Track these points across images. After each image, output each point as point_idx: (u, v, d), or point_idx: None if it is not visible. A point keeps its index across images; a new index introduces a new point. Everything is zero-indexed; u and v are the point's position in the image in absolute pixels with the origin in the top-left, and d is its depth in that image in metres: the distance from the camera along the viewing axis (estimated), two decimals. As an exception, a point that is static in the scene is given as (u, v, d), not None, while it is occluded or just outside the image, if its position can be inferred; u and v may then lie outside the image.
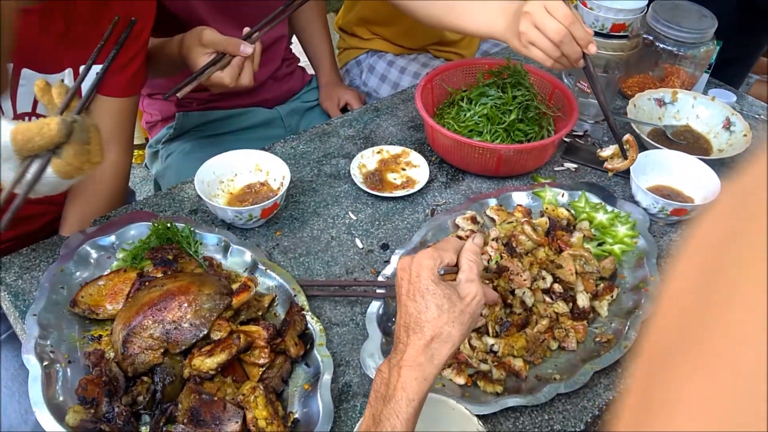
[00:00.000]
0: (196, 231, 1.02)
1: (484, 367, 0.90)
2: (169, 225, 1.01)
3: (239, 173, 1.13)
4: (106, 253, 1.00)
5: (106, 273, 0.96)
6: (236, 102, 1.46)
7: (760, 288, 0.18)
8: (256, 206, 1.02)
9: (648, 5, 1.42)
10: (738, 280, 0.19)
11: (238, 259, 1.01)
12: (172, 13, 1.28)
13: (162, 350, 0.86)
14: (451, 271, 0.73)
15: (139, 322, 0.86)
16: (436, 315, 0.67)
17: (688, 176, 1.19)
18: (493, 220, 1.13)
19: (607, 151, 1.17)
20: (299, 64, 1.65)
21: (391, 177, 1.21)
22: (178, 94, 1.08)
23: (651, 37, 1.38)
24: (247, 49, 1.10)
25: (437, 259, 0.71)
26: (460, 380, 0.88)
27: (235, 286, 0.92)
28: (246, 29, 1.15)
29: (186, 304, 0.87)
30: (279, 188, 1.09)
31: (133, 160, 2.10)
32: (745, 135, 1.28)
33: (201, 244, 1.02)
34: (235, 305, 0.90)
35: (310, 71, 1.69)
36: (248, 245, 1.01)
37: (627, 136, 1.15)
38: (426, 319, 0.67)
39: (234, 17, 1.33)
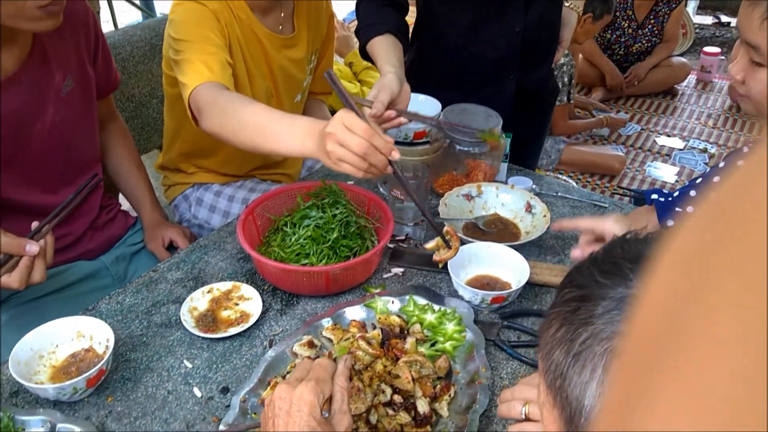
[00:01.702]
0: (17, 417, 0.96)
1: (336, 498, 0.90)
2: (-17, 418, 0.94)
3: (60, 344, 1.07)
4: None
5: None
6: (55, 259, 1.41)
7: (744, 293, 0.19)
8: (79, 379, 0.98)
9: (441, 111, 1.57)
10: (721, 285, 0.19)
11: (66, 440, 0.95)
12: None
13: None
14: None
15: None
16: None
17: (501, 263, 1.30)
18: (330, 340, 1.15)
19: (431, 243, 1.25)
20: (122, 209, 1.63)
21: (225, 314, 1.21)
22: None
23: (449, 141, 1.51)
24: (33, 248, 1.09)
25: (319, 394, 0.74)
26: None
27: (62, 473, 0.87)
28: (34, 224, 1.14)
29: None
30: (105, 352, 1.05)
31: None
32: (544, 216, 1.42)
33: (23, 430, 0.95)
34: (64, 495, 0.85)
35: (134, 213, 1.67)
36: (77, 421, 0.96)
37: (446, 227, 1.24)
38: None
39: (33, 183, 1.32)
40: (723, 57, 4.89)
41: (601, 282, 0.56)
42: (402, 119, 1.36)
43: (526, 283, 1.22)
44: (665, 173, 3.68)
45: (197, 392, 1.06)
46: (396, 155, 1.14)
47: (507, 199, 1.50)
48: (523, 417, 0.87)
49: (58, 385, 0.98)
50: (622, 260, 0.57)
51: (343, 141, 1.09)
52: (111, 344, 1.04)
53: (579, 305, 0.56)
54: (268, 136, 1.21)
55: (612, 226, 1.17)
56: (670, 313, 0.21)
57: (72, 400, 1.02)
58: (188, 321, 1.16)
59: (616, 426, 0.22)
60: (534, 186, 1.57)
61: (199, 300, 1.21)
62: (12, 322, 1.34)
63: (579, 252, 1.21)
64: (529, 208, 1.46)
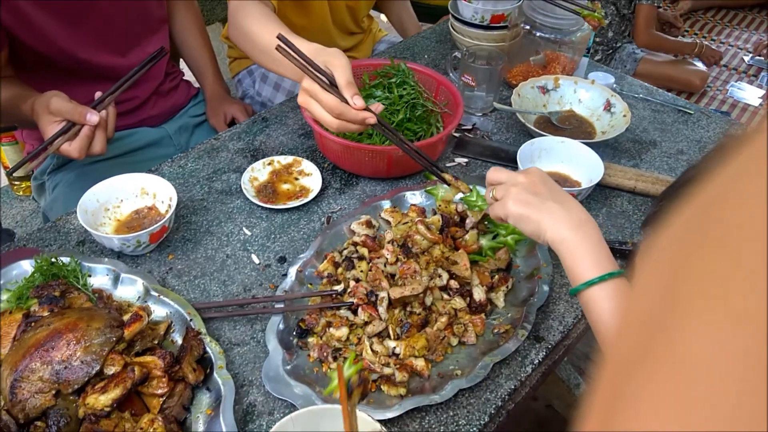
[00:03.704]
0: (84, 263, 0.98)
1: (387, 370, 0.90)
2: (53, 260, 0.97)
3: (125, 199, 1.09)
4: (-15, 297, 0.94)
5: (-13, 318, 0.91)
6: (119, 123, 1.41)
7: (719, 303, 0.19)
8: (143, 232, 0.99)
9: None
10: (697, 294, 0.20)
11: (129, 289, 0.98)
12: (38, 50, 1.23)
13: (53, 392, 0.82)
14: None
15: (26, 365, 0.82)
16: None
17: (574, 160, 1.24)
18: (388, 222, 1.14)
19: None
20: (184, 78, 1.61)
21: (284, 187, 1.20)
22: (19, 172, 1.05)
23: (529, 26, 1.42)
24: (93, 117, 1.07)
25: None
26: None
27: (126, 317, 0.89)
28: (97, 94, 1.12)
29: (74, 342, 0.84)
30: (167, 211, 1.06)
31: (21, 193, 2.01)
32: (624, 115, 1.33)
33: (90, 276, 0.98)
34: (128, 337, 0.87)
35: (196, 84, 1.65)
36: (139, 273, 0.98)
37: (448, 176, 1.10)
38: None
39: (102, 43, 1.30)
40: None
41: None
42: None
43: (597, 183, 1.16)
44: (749, 95, 3.44)
45: (255, 259, 1.06)
46: (372, 120, 1.03)
47: (585, 95, 1.41)
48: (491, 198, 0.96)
49: (123, 236, 0.99)
50: None
51: (312, 111, 1.04)
52: (174, 203, 1.05)
53: None
54: (274, 60, 1.12)
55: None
56: (653, 315, 0.22)
57: (135, 254, 1.04)
58: (249, 190, 1.16)
59: (601, 426, 0.23)
60: (615, 84, 1.47)
61: (259, 171, 1.20)
62: (77, 181, 1.37)
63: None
64: (608, 106, 1.37)
